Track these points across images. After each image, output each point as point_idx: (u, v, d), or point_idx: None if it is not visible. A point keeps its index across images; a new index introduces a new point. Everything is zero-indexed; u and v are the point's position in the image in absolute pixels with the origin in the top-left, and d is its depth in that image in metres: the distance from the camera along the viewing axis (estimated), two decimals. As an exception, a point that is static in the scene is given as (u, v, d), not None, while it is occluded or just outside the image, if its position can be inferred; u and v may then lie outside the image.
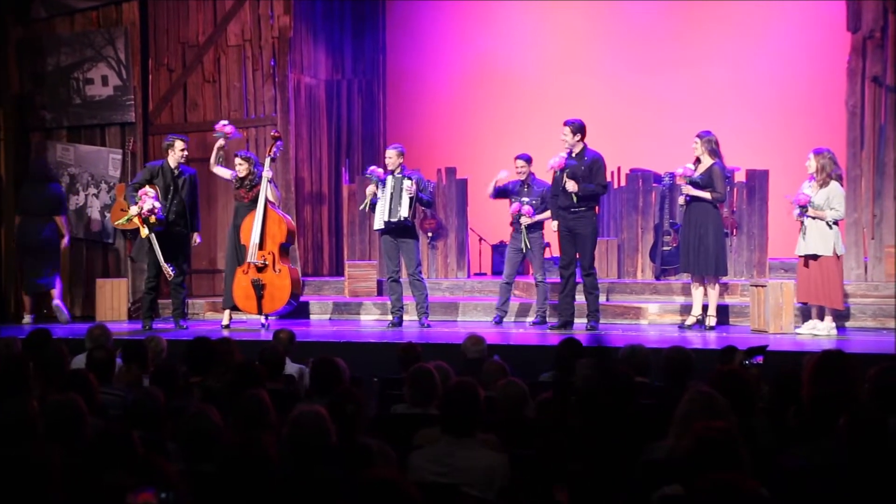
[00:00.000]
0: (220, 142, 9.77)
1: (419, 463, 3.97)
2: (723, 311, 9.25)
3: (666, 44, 12.74)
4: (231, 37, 11.59)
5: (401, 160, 9.47)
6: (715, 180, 8.68)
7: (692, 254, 8.79)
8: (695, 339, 8.31)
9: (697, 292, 8.95)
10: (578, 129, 8.79)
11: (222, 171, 9.78)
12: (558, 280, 9.17)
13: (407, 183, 9.27)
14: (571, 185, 8.70)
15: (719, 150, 8.80)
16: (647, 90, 12.70)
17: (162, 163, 9.56)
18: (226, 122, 10.05)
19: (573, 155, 8.82)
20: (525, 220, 9.48)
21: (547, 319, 9.47)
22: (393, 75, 13.35)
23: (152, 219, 9.29)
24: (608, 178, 8.86)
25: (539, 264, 9.65)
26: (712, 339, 8.32)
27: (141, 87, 11.38)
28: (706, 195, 8.69)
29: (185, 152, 9.53)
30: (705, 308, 8.92)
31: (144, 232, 9.37)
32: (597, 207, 9.01)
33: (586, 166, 8.74)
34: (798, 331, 8.54)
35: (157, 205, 9.27)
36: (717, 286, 8.91)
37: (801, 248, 8.52)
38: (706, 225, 8.73)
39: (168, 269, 9.38)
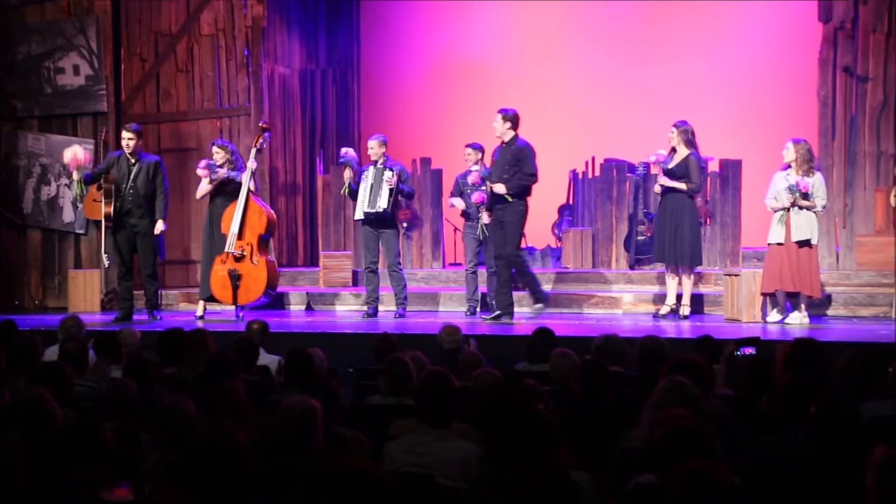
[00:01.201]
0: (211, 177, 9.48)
1: (395, 453, 3.97)
2: (697, 301, 9.29)
3: (639, 35, 12.78)
4: (204, 26, 11.52)
5: (383, 149, 9.46)
6: (691, 171, 8.68)
7: (668, 244, 8.81)
8: (669, 329, 8.35)
9: (672, 282, 8.98)
10: (510, 118, 8.78)
11: (203, 188, 9.58)
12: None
13: (388, 174, 9.25)
14: (500, 188, 8.72)
15: (695, 139, 8.81)
16: (621, 80, 12.73)
17: (121, 153, 9.42)
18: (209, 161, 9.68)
19: (503, 143, 8.82)
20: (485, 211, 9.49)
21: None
22: (367, 65, 13.32)
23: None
24: (536, 168, 8.82)
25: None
26: (686, 329, 8.36)
27: (113, 77, 11.29)
28: (682, 186, 8.71)
29: (128, 141, 9.24)
30: (679, 297, 8.96)
31: (102, 217, 9.31)
32: (528, 198, 8.90)
33: (512, 154, 8.74)
34: (768, 319, 8.55)
35: (82, 153, 9.36)
36: (691, 276, 8.95)
37: (778, 235, 8.43)
38: (682, 215, 8.74)
39: (105, 260, 9.35)
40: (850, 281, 9.59)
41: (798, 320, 8.43)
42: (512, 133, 8.77)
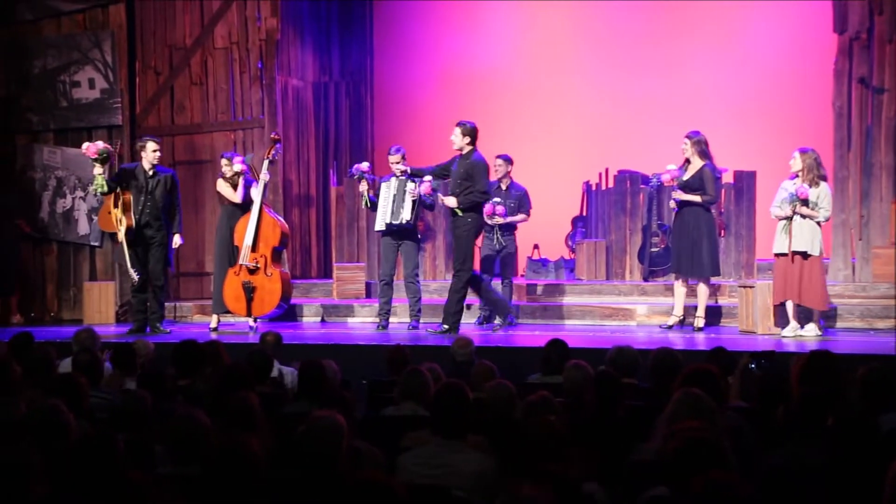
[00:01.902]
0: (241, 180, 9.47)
1: (408, 465, 3.96)
2: (712, 312, 9.27)
3: (653, 45, 12.77)
4: (218, 39, 11.57)
5: (405, 161, 9.47)
6: (706, 182, 8.65)
7: (684, 256, 8.77)
8: (681, 340, 8.30)
9: (680, 293, 8.95)
10: (469, 131, 8.81)
11: (235, 192, 9.54)
12: (538, 281, 9.01)
13: (410, 185, 9.26)
14: (451, 202, 8.78)
15: (709, 150, 8.78)
16: (634, 91, 12.72)
17: (136, 165, 9.45)
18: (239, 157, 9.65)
19: (460, 156, 8.84)
20: (497, 220, 9.50)
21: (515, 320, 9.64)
22: (380, 78, 13.35)
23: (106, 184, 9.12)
24: (488, 184, 8.86)
25: (511, 265, 9.70)
26: (701, 340, 8.32)
27: (128, 90, 11.36)
28: (697, 198, 8.68)
29: (158, 153, 9.31)
30: (693, 309, 8.92)
31: (120, 235, 9.26)
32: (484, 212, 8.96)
33: (466, 169, 8.76)
34: (783, 333, 8.46)
35: (102, 144, 9.24)
36: (709, 287, 8.92)
37: (782, 245, 8.38)
38: (699, 227, 8.71)
39: (133, 274, 9.28)
40: (866, 293, 9.54)
41: (813, 332, 8.38)
42: (470, 147, 8.82)
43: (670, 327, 8.93)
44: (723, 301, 9.77)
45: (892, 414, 4.36)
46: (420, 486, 3.69)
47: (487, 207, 9.49)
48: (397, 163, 9.43)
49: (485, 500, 3.74)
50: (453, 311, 8.85)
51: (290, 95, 12.09)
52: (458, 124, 8.89)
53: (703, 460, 3.13)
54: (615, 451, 4.09)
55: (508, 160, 9.76)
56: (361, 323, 10.25)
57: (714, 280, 9.28)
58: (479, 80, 13.21)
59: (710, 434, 3.28)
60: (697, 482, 2.80)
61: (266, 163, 9.52)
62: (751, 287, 8.79)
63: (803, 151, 8.38)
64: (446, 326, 8.79)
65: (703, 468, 2.99)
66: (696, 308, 8.93)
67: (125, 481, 3.00)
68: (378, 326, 9.47)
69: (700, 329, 8.82)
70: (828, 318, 8.69)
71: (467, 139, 8.79)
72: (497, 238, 9.54)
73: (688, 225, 8.74)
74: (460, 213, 8.77)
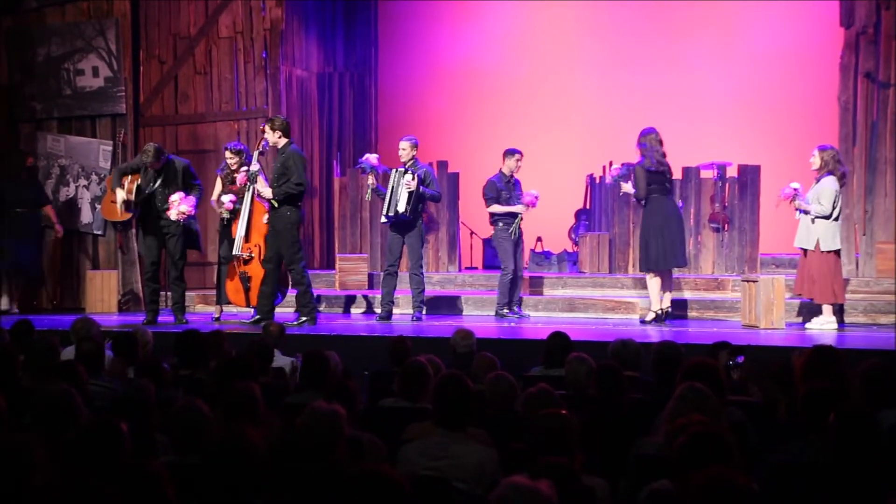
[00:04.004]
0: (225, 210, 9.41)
1: (410, 456, 3.95)
2: (712, 306, 9.25)
3: (658, 39, 12.73)
4: (223, 29, 11.55)
5: (414, 152, 9.43)
6: (637, 180, 8.89)
7: (640, 249, 9.14)
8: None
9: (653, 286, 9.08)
10: (279, 126, 8.86)
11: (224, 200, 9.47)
12: (541, 273, 9.02)
13: (407, 177, 9.24)
14: (267, 193, 8.85)
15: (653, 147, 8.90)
16: (639, 85, 12.69)
17: None
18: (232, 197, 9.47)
19: (278, 151, 8.91)
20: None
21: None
22: (384, 69, 13.34)
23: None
24: (306, 176, 8.88)
25: (522, 254, 9.74)
26: (704, 335, 8.31)
27: (132, 79, 11.34)
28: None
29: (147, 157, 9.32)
30: (676, 302, 9.07)
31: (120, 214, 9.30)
32: (299, 204, 8.97)
33: (282, 162, 8.82)
34: (808, 326, 8.56)
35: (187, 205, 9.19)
36: (653, 280, 8.97)
37: (795, 241, 8.62)
38: (650, 219, 8.92)
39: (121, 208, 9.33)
40: (869, 288, 9.52)
41: (818, 325, 8.41)
42: (284, 140, 8.88)
43: (648, 322, 8.95)
44: (726, 295, 9.76)
45: (893, 410, 4.35)
46: (422, 478, 3.68)
47: (529, 199, 9.50)
48: (403, 149, 9.42)
49: (486, 492, 3.73)
50: (307, 302, 8.90)
51: (295, 86, 12.07)
52: (267, 120, 9.02)
53: (709, 455, 3.12)
54: (617, 445, 4.09)
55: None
56: (364, 313, 10.24)
57: (717, 274, 9.28)
58: (482, 73, 13.19)
59: (717, 429, 3.27)
60: (698, 477, 2.79)
61: (256, 154, 9.46)
62: (754, 281, 8.78)
63: (822, 149, 8.47)
64: (304, 318, 8.87)
65: (709, 463, 2.98)
66: (683, 301, 9.05)
67: (133, 469, 2.98)
68: (379, 317, 9.47)
69: (650, 322, 8.87)
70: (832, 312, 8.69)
71: (278, 133, 8.86)
72: (518, 228, 9.57)
73: (646, 218, 8.96)
74: (276, 206, 8.83)
